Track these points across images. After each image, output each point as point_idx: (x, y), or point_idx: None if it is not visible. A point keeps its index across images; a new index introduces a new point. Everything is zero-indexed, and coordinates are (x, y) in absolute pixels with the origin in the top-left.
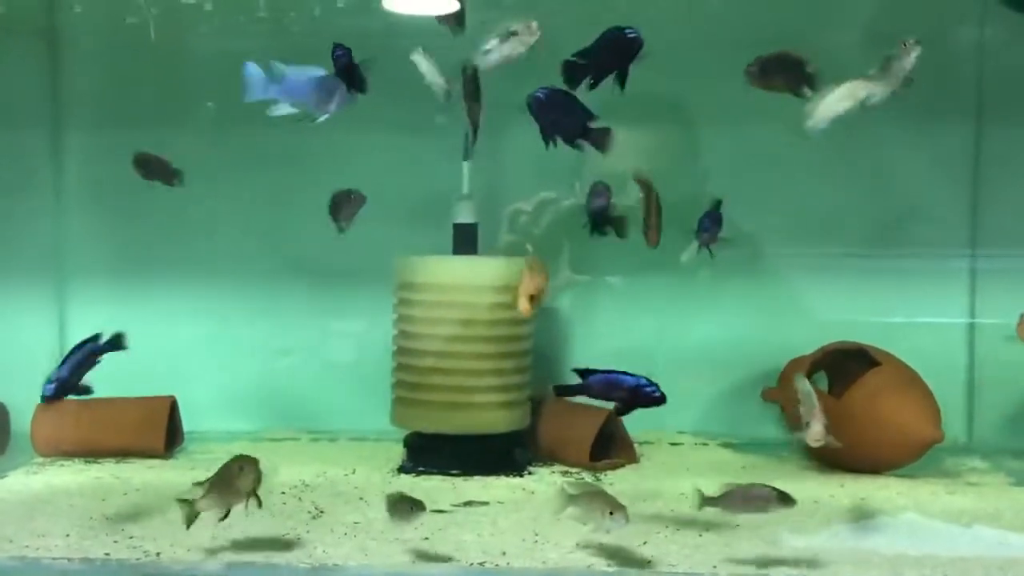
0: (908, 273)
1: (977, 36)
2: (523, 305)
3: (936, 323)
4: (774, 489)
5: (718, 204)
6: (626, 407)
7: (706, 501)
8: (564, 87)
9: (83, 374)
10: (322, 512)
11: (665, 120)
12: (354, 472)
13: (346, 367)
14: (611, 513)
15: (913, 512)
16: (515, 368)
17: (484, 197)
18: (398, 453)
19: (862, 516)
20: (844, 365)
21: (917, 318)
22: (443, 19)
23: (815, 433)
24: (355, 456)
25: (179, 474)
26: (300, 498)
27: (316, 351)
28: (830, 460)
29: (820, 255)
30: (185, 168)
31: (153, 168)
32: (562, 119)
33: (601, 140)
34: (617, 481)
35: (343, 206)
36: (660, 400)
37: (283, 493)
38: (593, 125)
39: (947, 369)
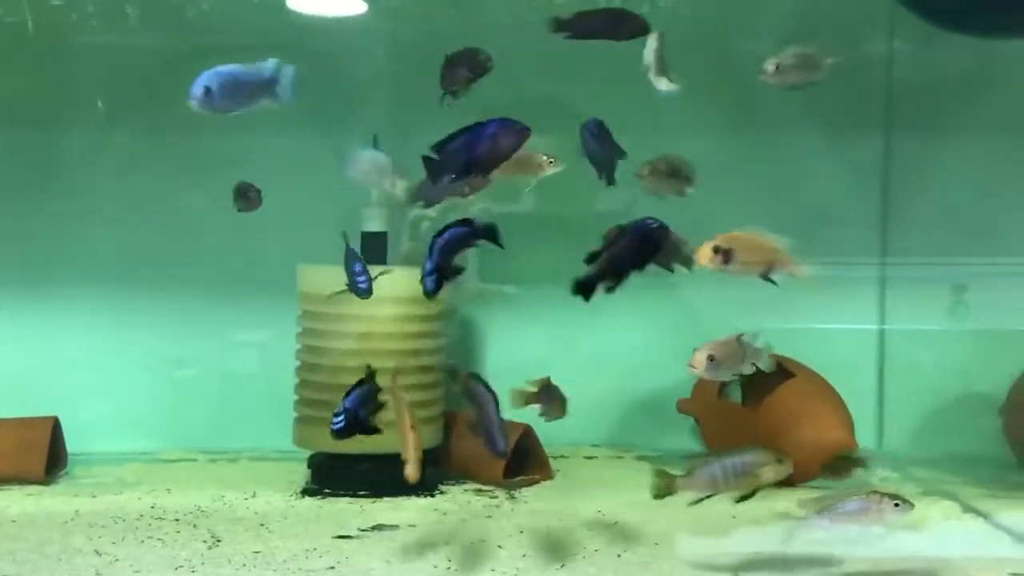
0: (818, 281)
1: (887, 46)
2: (413, 473)
3: (846, 331)
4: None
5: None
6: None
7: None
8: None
9: None
10: (219, 541)
11: (562, 129)
12: (254, 496)
13: (247, 382)
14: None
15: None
16: (424, 383)
17: (395, 205)
18: (302, 474)
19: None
20: (756, 376)
21: (827, 325)
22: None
23: (697, 360)
24: (256, 478)
25: (61, 501)
26: (195, 525)
27: (215, 365)
28: None
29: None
30: (73, 169)
31: (252, 200)
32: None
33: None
34: (532, 499)
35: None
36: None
37: (176, 520)
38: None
39: (857, 377)
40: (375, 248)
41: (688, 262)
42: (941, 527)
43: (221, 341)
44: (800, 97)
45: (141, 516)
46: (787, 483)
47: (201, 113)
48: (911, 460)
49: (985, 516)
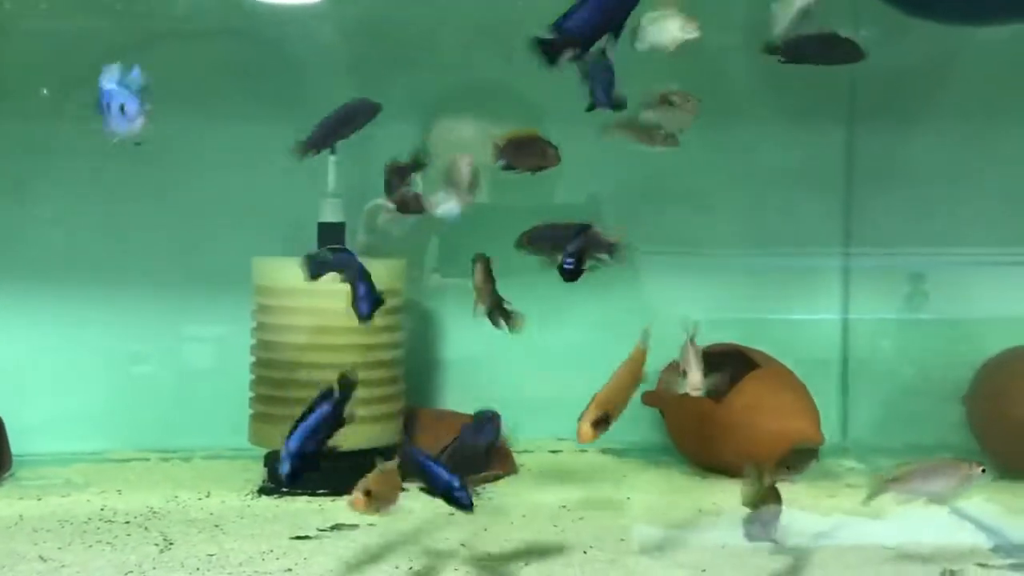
0: (781, 272)
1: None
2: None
3: (810, 321)
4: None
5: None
6: (431, 493)
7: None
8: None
9: None
10: (171, 543)
11: (515, 117)
12: (209, 495)
13: (201, 378)
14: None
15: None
16: (383, 379)
17: (353, 194)
18: (258, 473)
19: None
20: (720, 367)
21: (791, 316)
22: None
23: (694, 382)
24: (210, 477)
25: (4, 505)
26: (146, 527)
27: (167, 361)
28: (711, 466)
29: (692, 254)
30: (17, 160)
31: (411, 207)
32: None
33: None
34: (497, 495)
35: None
36: (468, 508)
37: (127, 523)
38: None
39: (821, 368)
40: (332, 240)
41: (617, 252)
42: (905, 516)
43: (173, 336)
44: (763, 86)
45: (89, 519)
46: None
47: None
48: (876, 450)
49: (949, 506)
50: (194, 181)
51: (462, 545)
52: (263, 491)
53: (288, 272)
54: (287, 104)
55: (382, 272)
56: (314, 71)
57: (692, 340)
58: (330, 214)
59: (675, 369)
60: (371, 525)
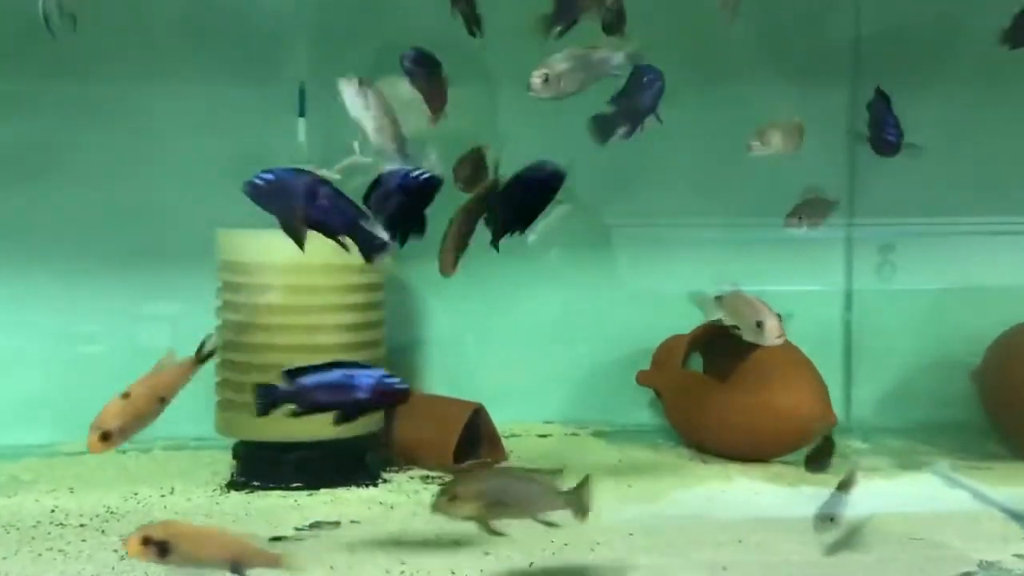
0: (784, 243)
1: None
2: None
3: (813, 293)
4: None
5: None
6: (360, 411)
7: None
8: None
9: None
10: None
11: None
12: (172, 492)
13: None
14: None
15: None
16: (363, 361)
17: (323, 160)
18: (226, 465)
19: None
20: (721, 343)
21: (791, 287)
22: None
23: (774, 329)
24: (173, 471)
25: None
26: (103, 531)
27: (121, 342)
28: (713, 448)
29: (691, 226)
30: None
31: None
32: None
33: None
34: None
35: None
36: (405, 395)
37: (81, 526)
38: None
39: (824, 343)
40: None
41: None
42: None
43: (127, 315)
44: (766, 47)
45: (39, 523)
46: (759, 458)
47: None
48: (881, 429)
49: (972, 490)
50: (150, 146)
51: (456, 543)
52: (232, 485)
53: (257, 246)
54: (255, 63)
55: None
56: (277, 29)
57: (741, 291)
58: (332, 174)
59: (675, 350)
60: (355, 523)
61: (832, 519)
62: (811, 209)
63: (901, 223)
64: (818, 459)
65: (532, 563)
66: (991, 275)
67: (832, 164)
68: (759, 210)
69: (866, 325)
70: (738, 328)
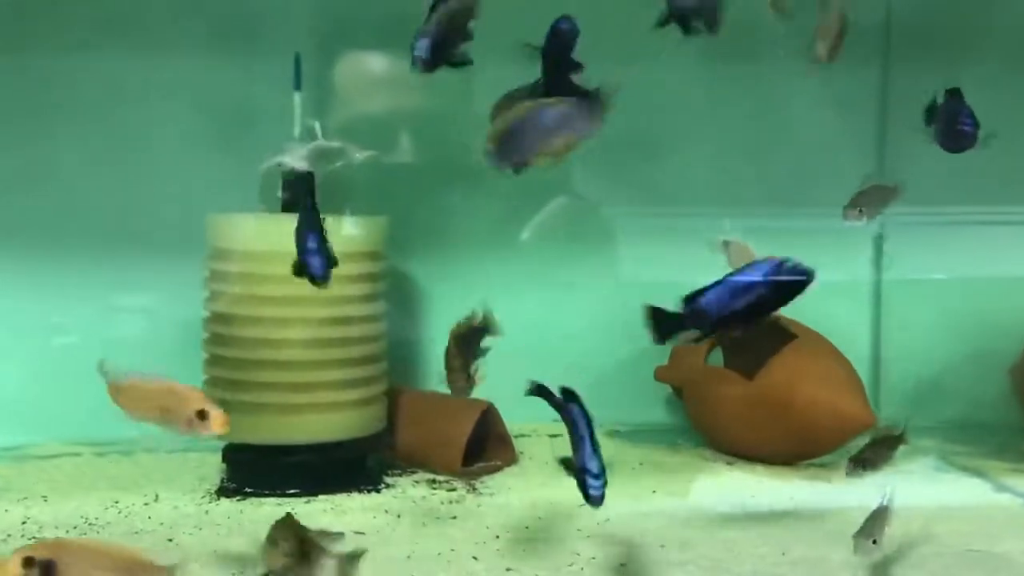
0: (812, 234)
1: None
2: None
3: (841, 284)
4: None
5: None
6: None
7: None
8: None
9: None
10: None
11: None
12: (157, 499)
13: (138, 355)
14: None
15: None
16: (364, 357)
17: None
18: (216, 470)
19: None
20: (746, 338)
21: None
22: None
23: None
24: (158, 477)
25: None
26: None
27: (98, 334)
28: (739, 449)
29: (710, 215)
30: None
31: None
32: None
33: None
34: (498, 490)
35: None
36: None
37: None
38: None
39: (852, 338)
40: (301, 193)
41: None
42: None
43: (104, 306)
44: (793, 29)
45: (9, 535)
46: (787, 461)
47: None
48: (912, 428)
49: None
50: (129, 122)
51: (474, 558)
52: (222, 492)
53: (250, 232)
54: (247, 35)
55: (359, 231)
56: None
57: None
58: (296, 160)
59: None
60: (359, 533)
61: (874, 541)
62: (870, 198)
63: (932, 212)
64: (865, 461)
65: None
66: None
67: (860, 150)
68: (782, 199)
69: (895, 318)
70: None
